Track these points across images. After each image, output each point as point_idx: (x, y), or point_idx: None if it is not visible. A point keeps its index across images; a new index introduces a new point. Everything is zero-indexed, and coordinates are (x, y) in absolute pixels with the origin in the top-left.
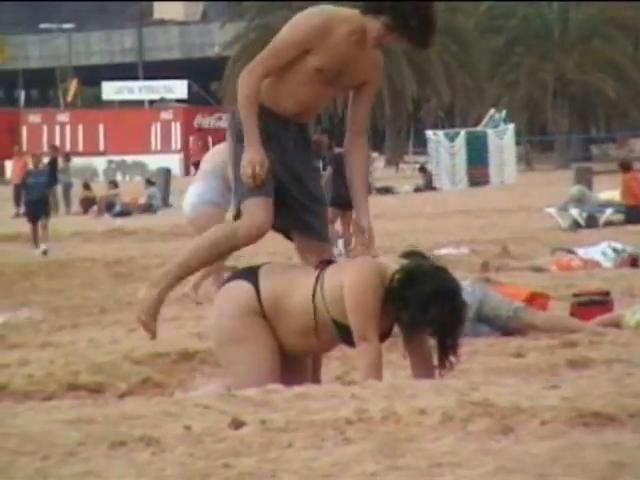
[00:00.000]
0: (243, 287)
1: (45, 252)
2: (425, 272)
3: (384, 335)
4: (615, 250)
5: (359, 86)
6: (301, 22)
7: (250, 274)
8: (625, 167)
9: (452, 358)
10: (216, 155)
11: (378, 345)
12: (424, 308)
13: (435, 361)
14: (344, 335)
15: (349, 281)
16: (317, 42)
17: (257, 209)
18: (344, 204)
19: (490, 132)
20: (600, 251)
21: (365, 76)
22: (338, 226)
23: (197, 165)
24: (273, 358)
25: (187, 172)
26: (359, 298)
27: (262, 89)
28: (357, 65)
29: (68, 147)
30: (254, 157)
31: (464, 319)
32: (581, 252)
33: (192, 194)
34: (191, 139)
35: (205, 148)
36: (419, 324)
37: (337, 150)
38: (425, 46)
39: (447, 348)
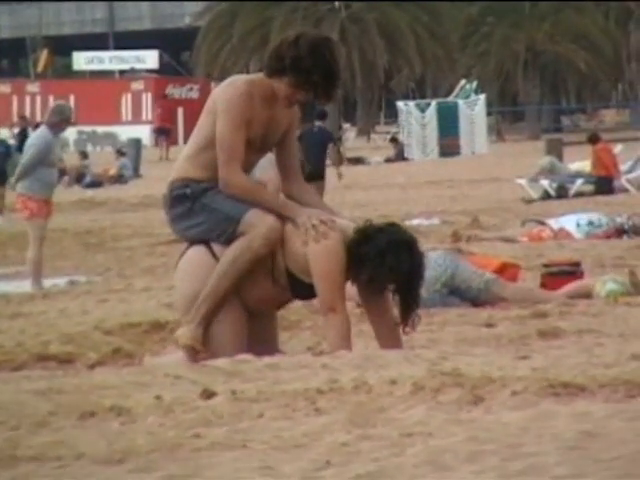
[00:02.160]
0: (198, 251)
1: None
2: (378, 229)
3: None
4: (590, 223)
5: (282, 138)
6: (231, 99)
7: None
8: (593, 140)
9: (415, 315)
10: None
11: (347, 315)
12: (380, 260)
13: (398, 319)
14: (295, 288)
15: (314, 250)
16: (248, 111)
17: (262, 215)
18: (308, 178)
19: (461, 103)
20: (575, 222)
21: (285, 128)
22: None
23: (157, 131)
24: (241, 325)
25: (157, 142)
26: (327, 268)
27: (190, 163)
28: (278, 124)
29: (38, 117)
30: (312, 213)
31: (422, 270)
32: (553, 221)
33: None
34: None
35: (166, 116)
36: (378, 278)
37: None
38: (330, 99)
39: (409, 303)
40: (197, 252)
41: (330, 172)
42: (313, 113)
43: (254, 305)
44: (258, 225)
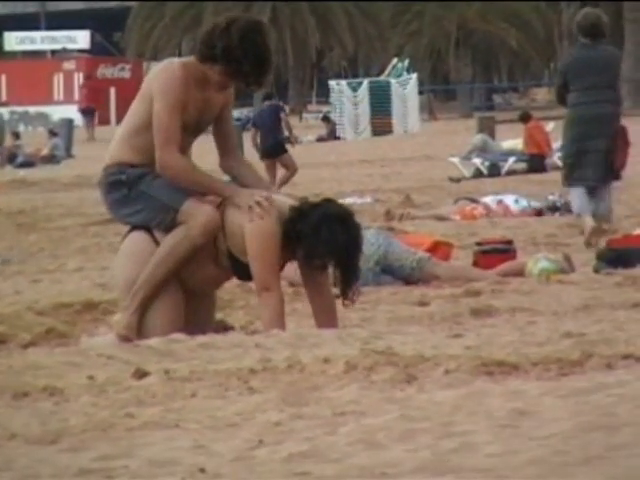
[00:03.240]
0: (138, 236)
1: None
2: (313, 205)
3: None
4: (517, 201)
5: (218, 117)
6: (167, 82)
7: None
8: (525, 118)
9: (353, 288)
10: None
11: (280, 294)
12: (315, 235)
13: (337, 293)
14: (236, 268)
15: (249, 230)
16: (184, 94)
17: (199, 206)
18: (269, 154)
19: (393, 82)
20: (512, 199)
21: (219, 110)
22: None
23: (83, 112)
24: (177, 306)
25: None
26: (260, 248)
27: (124, 147)
28: (212, 106)
29: None
30: (248, 193)
31: (360, 243)
32: (490, 199)
33: None
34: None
35: (92, 97)
36: (315, 252)
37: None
38: (261, 86)
39: (348, 276)
40: (138, 237)
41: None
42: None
43: (195, 286)
44: (196, 214)
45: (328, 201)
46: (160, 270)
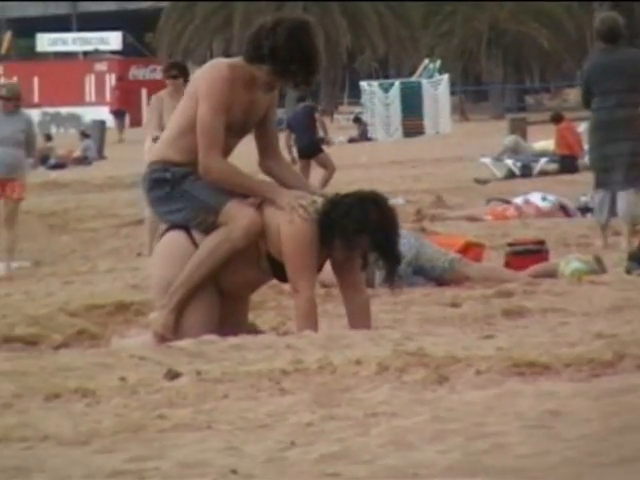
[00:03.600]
0: (177, 236)
1: None
2: (343, 195)
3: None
4: (544, 199)
5: (261, 119)
6: (212, 84)
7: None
8: (557, 119)
9: (397, 273)
10: None
11: (311, 296)
12: (347, 216)
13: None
14: (275, 269)
15: (285, 232)
16: (229, 96)
17: (241, 208)
18: (305, 155)
19: (424, 82)
20: (540, 197)
21: (264, 111)
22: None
23: (115, 113)
24: (212, 308)
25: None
26: (293, 252)
27: (170, 146)
28: (258, 107)
29: None
30: (289, 195)
31: (395, 222)
32: (519, 200)
33: None
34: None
35: (124, 98)
36: (348, 234)
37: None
38: (309, 85)
39: (387, 257)
40: (176, 237)
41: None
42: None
43: (232, 288)
44: (238, 217)
45: (357, 190)
46: (199, 271)
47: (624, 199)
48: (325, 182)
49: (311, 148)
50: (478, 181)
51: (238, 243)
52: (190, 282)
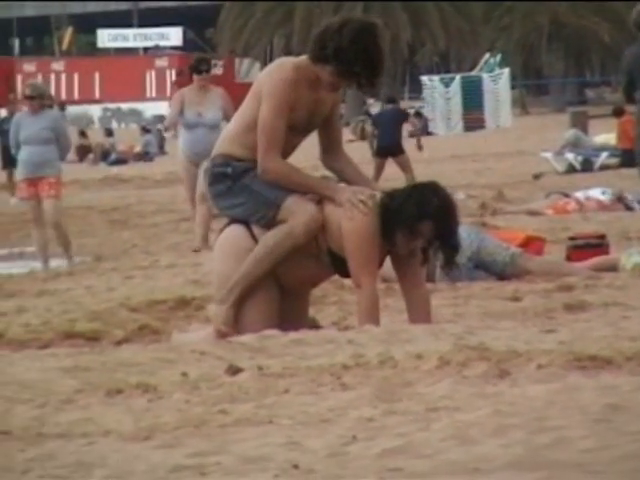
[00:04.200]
0: (237, 230)
1: (13, 205)
2: (403, 187)
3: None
4: (604, 193)
5: (326, 117)
6: (277, 84)
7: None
8: (618, 112)
9: (455, 262)
10: None
11: (374, 291)
12: (407, 204)
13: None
14: (337, 265)
15: (347, 227)
16: (293, 97)
17: (302, 204)
18: (383, 153)
19: (485, 76)
20: (600, 191)
21: (329, 110)
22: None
23: None
24: (272, 303)
25: None
26: (355, 247)
27: (233, 142)
28: (322, 106)
29: (63, 95)
30: (348, 191)
31: (454, 209)
32: (580, 194)
33: None
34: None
35: None
36: (409, 221)
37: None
38: (373, 87)
39: (449, 247)
40: (236, 231)
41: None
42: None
43: (293, 284)
44: (299, 213)
45: (414, 183)
46: (260, 267)
47: None
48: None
49: (391, 148)
50: (535, 176)
51: (300, 239)
52: (250, 277)
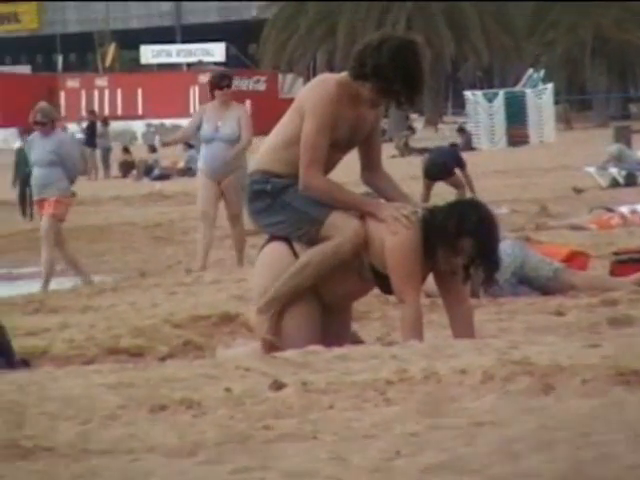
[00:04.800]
0: (278, 247)
1: None
2: (444, 204)
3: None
4: None
5: (368, 134)
6: (320, 100)
7: None
8: None
9: (495, 279)
10: None
11: (417, 306)
12: (448, 219)
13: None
14: (379, 281)
15: (389, 243)
16: (336, 113)
17: (346, 219)
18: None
19: (529, 92)
20: None
21: (370, 126)
22: None
23: None
24: (314, 317)
25: None
26: (398, 262)
27: (273, 157)
28: (364, 123)
29: (107, 111)
30: (390, 207)
31: (495, 226)
32: (624, 209)
33: None
34: None
35: None
36: (453, 241)
37: None
38: (413, 105)
39: (489, 264)
40: (278, 248)
41: None
42: None
43: (334, 299)
44: (343, 229)
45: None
46: (303, 282)
47: None
48: None
49: (440, 170)
50: (575, 190)
51: (346, 256)
52: (292, 291)
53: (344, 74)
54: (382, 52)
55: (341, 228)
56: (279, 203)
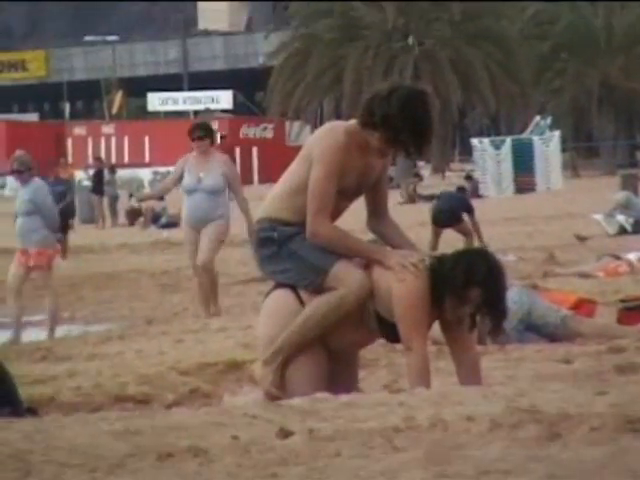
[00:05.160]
0: (284, 294)
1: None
2: (452, 253)
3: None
4: None
5: (375, 182)
6: (328, 148)
7: None
8: None
9: (502, 328)
10: None
11: (424, 353)
12: (455, 269)
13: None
14: (384, 329)
15: (397, 291)
16: (344, 161)
17: (351, 271)
18: (439, 224)
19: (536, 139)
20: None
21: (378, 175)
22: None
23: None
24: (320, 365)
25: None
26: (405, 310)
27: (280, 205)
28: (371, 171)
29: (114, 159)
30: (398, 254)
31: (502, 276)
32: (632, 256)
33: None
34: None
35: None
36: (461, 291)
37: None
38: (422, 155)
39: (496, 313)
40: (283, 295)
41: None
42: None
43: (339, 347)
44: (347, 280)
45: (462, 249)
46: (308, 333)
47: None
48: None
49: (447, 216)
50: (579, 237)
51: (350, 308)
52: (297, 343)
53: (352, 122)
54: (391, 102)
55: (346, 280)
56: (285, 251)
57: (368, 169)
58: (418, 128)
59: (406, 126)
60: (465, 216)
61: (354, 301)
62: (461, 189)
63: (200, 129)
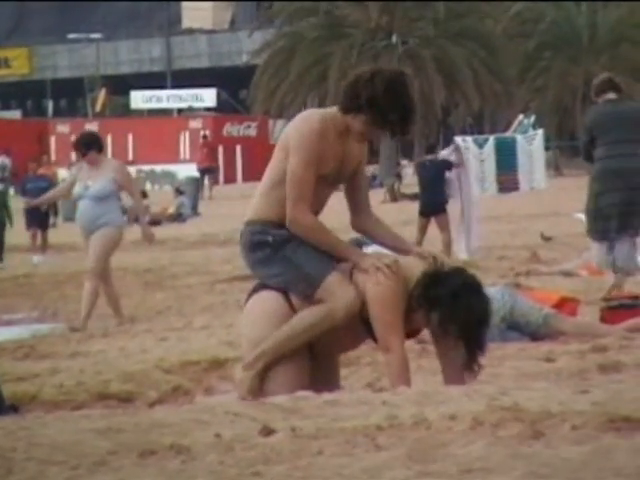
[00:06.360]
0: (272, 295)
1: (36, 264)
2: (447, 272)
3: (415, 332)
4: None
5: (353, 173)
6: (304, 135)
7: None
8: None
9: (479, 361)
10: None
11: (402, 353)
12: (453, 303)
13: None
14: (371, 331)
15: (371, 293)
16: (321, 148)
17: (343, 285)
18: (427, 212)
19: (519, 138)
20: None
21: (357, 163)
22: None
23: (203, 172)
24: (301, 373)
25: (215, 181)
26: (379, 311)
27: (265, 202)
28: (351, 158)
29: None
30: (374, 257)
31: (489, 316)
32: None
33: None
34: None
35: (211, 155)
36: (449, 321)
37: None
38: (406, 134)
39: (474, 349)
40: (271, 296)
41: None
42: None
43: (324, 349)
44: (338, 295)
45: (460, 269)
46: (293, 342)
47: (621, 249)
48: (447, 247)
49: (435, 206)
50: (544, 237)
51: (339, 322)
52: (281, 350)
53: (329, 109)
54: (376, 84)
55: (337, 294)
56: (279, 256)
57: (347, 155)
58: (403, 108)
59: (392, 106)
60: (451, 174)
61: (343, 317)
62: (431, 148)
63: (81, 146)
